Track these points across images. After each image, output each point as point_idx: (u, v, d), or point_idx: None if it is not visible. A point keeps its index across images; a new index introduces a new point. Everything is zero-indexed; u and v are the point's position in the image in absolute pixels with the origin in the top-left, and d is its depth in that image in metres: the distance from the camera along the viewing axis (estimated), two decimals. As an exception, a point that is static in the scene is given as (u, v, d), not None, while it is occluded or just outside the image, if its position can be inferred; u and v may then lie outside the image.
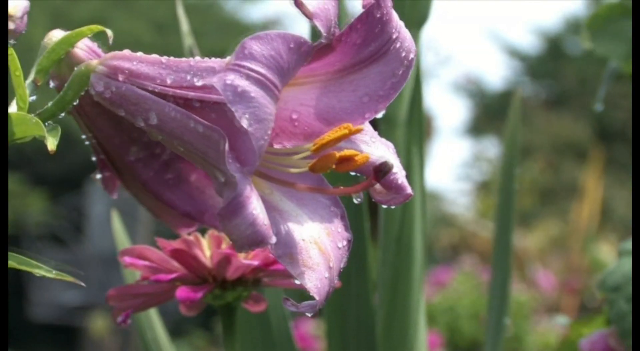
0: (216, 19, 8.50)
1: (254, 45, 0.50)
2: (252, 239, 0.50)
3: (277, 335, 0.91)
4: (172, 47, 7.01)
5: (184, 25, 0.92)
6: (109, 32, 0.58)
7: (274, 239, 0.51)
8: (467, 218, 6.35)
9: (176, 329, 5.21)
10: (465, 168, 9.76)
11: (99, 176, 0.64)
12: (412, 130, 0.94)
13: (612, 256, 3.95)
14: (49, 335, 7.06)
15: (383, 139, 0.59)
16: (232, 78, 0.49)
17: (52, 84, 0.60)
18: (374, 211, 0.96)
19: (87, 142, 0.61)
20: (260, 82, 0.50)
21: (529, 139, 8.09)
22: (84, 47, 0.59)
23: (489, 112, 9.74)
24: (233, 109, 0.49)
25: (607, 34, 0.99)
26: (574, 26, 9.41)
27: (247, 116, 0.49)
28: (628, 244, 0.90)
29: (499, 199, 1.00)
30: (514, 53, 9.85)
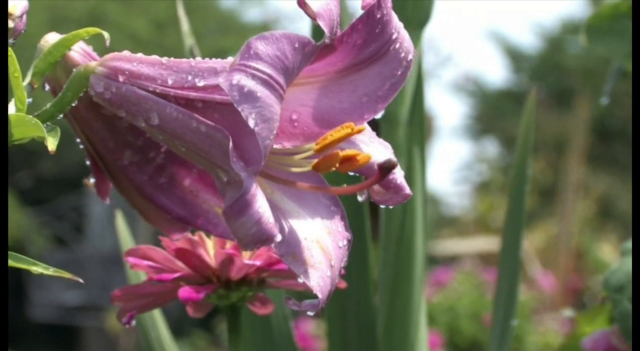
0: (215, 18, 8.50)
1: (260, 45, 0.50)
2: (258, 238, 0.50)
3: (277, 335, 0.91)
4: (170, 45, 7.02)
5: (184, 25, 0.92)
6: (106, 35, 0.57)
7: (279, 238, 0.51)
8: (468, 218, 6.36)
9: (177, 329, 5.20)
10: (465, 169, 9.77)
11: (92, 180, 0.63)
12: (413, 130, 0.94)
13: (612, 255, 3.96)
14: (49, 335, 7.06)
15: (381, 140, 0.59)
16: (238, 78, 0.49)
17: (47, 87, 0.60)
18: (374, 211, 0.96)
19: (81, 146, 0.61)
20: (266, 82, 0.50)
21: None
22: (80, 50, 0.59)
23: (489, 112, 9.74)
24: (239, 109, 0.49)
25: (611, 32, 0.99)
26: (574, 25, 9.41)
27: (253, 115, 0.49)
28: (630, 244, 0.90)
29: (510, 201, 1.00)
30: (514, 53, 9.85)
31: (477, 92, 9.90)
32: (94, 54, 0.60)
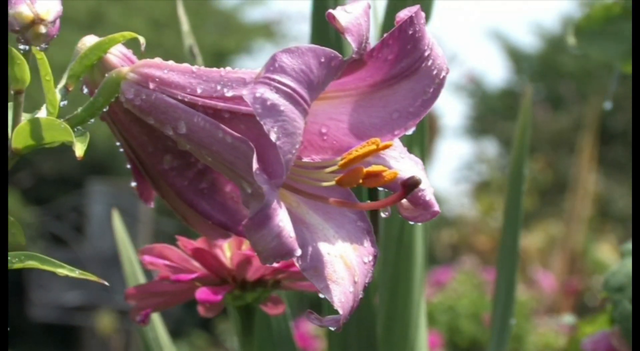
0: (214, 16, 8.50)
1: (285, 59, 0.50)
2: (278, 251, 0.50)
3: (277, 335, 0.91)
4: (169, 45, 7.02)
5: (185, 25, 0.92)
6: (142, 39, 0.57)
7: (299, 252, 0.51)
8: (468, 218, 6.35)
9: (176, 329, 5.20)
10: (465, 168, 9.76)
11: (133, 184, 0.63)
12: (413, 130, 0.94)
13: (611, 256, 3.95)
14: (49, 335, 7.05)
15: (412, 156, 0.59)
16: (262, 91, 0.49)
17: (85, 90, 0.59)
18: (374, 211, 0.96)
19: (121, 150, 0.61)
20: (290, 96, 0.50)
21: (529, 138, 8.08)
22: (118, 54, 0.59)
23: (489, 111, 9.74)
24: (262, 122, 0.49)
25: (603, 34, 0.99)
26: (573, 26, 9.39)
27: (275, 129, 0.49)
28: (630, 245, 0.90)
29: (507, 200, 1.00)
30: (515, 53, 9.84)
31: (478, 92, 9.90)
32: (134, 58, 0.59)
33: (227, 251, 0.69)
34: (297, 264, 0.52)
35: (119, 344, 5.47)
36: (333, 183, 0.56)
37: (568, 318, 1.06)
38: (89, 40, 0.58)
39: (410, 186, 0.55)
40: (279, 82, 0.50)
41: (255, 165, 0.50)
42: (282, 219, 0.50)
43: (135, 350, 5.35)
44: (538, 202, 6.63)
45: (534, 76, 9.67)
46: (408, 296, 0.93)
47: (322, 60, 0.51)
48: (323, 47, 0.51)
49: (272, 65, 0.50)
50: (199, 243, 0.68)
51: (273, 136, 0.49)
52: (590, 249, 3.98)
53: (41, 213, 6.98)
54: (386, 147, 0.56)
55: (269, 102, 0.49)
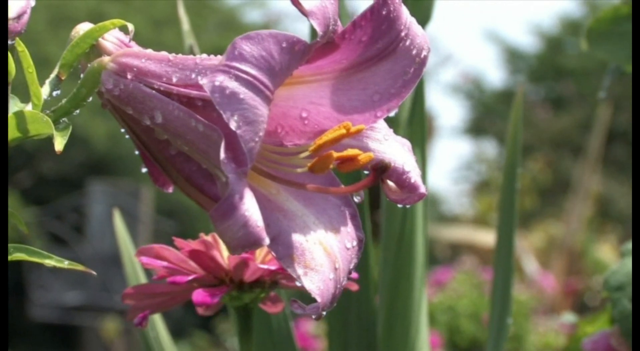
0: (215, 15, 8.50)
1: (245, 46, 0.49)
2: (245, 241, 0.49)
3: (277, 334, 0.91)
4: (169, 43, 7.03)
5: (185, 24, 0.92)
6: (130, 26, 0.57)
7: (267, 241, 0.50)
8: (467, 218, 6.35)
9: (177, 329, 5.20)
10: (464, 168, 9.77)
11: (144, 170, 0.62)
12: (413, 130, 0.94)
13: (611, 256, 3.95)
14: (49, 335, 7.05)
15: (398, 137, 0.58)
16: (221, 79, 0.48)
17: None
18: (375, 210, 0.96)
19: (127, 136, 0.60)
20: (250, 84, 0.49)
21: (528, 138, 8.10)
22: (114, 40, 0.58)
23: (488, 112, 9.74)
24: (221, 111, 0.48)
25: (611, 35, 0.99)
26: (573, 26, 9.41)
27: (235, 118, 0.48)
28: (630, 245, 0.90)
29: (501, 199, 1.00)
30: (512, 53, 9.84)
31: (476, 93, 9.91)
32: (132, 44, 0.59)
33: (224, 251, 0.69)
34: (272, 253, 0.52)
35: (122, 345, 5.47)
36: (305, 169, 0.55)
37: (568, 317, 1.06)
38: (83, 27, 0.58)
39: (379, 169, 0.54)
40: (239, 69, 0.49)
41: (222, 154, 0.49)
42: (249, 208, 0.49)
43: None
44: (538, 202, 6.63)
45: (534, 76, 9.68)
46: (408, 295, 0.93)
47: (284, 45, 0.50)
48: (285, 32, 0.50)
49: (232, 52, 0.49)
50: (196, 244, 0.68)
51: (233, 125, 0.48)
52: (590, 249, 3.99)
53: (41, 213, 6.98)
54: (358, 131, 0.56)
55: (227, 91, 0.48)
